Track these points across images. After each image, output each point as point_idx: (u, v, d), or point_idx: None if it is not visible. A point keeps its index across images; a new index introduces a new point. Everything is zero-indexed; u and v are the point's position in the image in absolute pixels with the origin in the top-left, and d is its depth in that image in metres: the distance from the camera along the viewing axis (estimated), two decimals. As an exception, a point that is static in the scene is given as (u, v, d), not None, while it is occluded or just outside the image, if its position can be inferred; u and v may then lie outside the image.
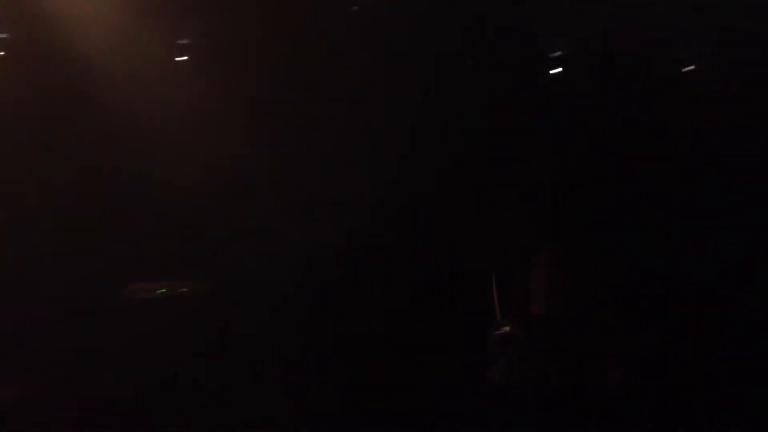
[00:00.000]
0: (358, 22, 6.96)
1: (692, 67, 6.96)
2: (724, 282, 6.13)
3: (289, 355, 6.35)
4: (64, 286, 6.26)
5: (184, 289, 6.38)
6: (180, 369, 6.12)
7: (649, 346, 5.30)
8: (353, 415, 6.00)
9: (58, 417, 5.76)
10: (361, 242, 6.68)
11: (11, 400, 5.69)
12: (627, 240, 6.29)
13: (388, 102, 6.84)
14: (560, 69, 7.03)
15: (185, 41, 6.87)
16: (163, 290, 6.36)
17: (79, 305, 6.25)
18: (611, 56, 6.81)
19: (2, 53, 6.62)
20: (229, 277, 6.63)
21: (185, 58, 6.84)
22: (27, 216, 6.42)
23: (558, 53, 7.06)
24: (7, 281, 6.24)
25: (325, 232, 6.62)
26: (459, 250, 6.60)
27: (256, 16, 6.72)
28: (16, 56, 6.63)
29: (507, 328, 5.09)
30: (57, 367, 6.04)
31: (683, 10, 6.53)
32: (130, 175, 6.65)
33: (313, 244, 6.58)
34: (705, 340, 5.85)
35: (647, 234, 6.32)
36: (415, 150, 6.82)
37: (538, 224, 6.33)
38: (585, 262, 5.39)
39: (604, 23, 6.69)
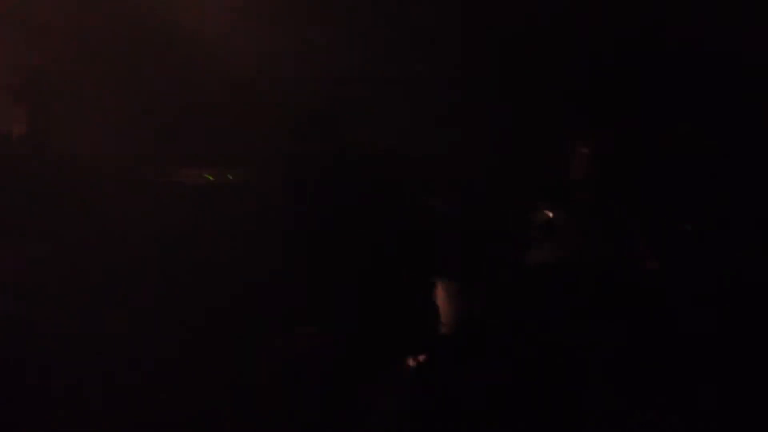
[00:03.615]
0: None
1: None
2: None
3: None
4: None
5: (230, 177, 6.37)
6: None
7: (683, 238, 5.49)
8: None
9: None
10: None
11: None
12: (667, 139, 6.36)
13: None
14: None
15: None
16: (210, 176, 6.37)
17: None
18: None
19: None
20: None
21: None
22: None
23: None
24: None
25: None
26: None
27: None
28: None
29: (550, 214, 5.28)
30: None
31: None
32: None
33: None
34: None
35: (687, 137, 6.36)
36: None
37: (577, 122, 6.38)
38: (627, 156, 5.61)
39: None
